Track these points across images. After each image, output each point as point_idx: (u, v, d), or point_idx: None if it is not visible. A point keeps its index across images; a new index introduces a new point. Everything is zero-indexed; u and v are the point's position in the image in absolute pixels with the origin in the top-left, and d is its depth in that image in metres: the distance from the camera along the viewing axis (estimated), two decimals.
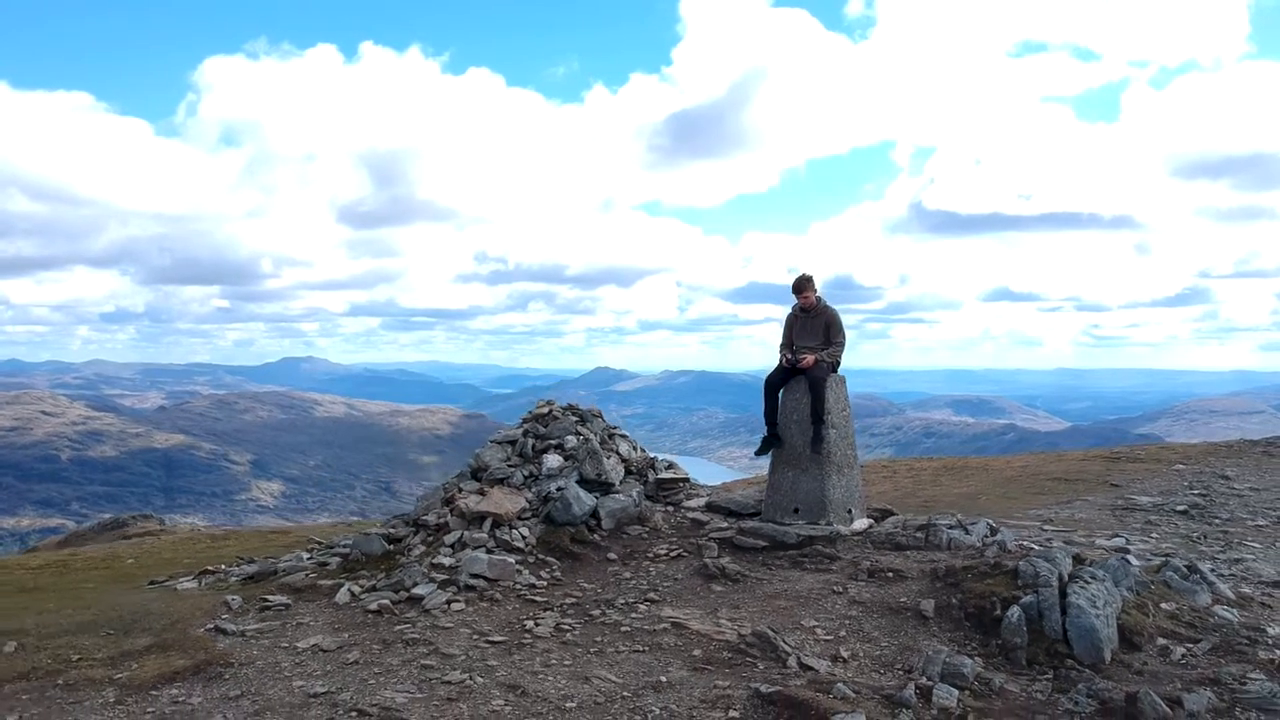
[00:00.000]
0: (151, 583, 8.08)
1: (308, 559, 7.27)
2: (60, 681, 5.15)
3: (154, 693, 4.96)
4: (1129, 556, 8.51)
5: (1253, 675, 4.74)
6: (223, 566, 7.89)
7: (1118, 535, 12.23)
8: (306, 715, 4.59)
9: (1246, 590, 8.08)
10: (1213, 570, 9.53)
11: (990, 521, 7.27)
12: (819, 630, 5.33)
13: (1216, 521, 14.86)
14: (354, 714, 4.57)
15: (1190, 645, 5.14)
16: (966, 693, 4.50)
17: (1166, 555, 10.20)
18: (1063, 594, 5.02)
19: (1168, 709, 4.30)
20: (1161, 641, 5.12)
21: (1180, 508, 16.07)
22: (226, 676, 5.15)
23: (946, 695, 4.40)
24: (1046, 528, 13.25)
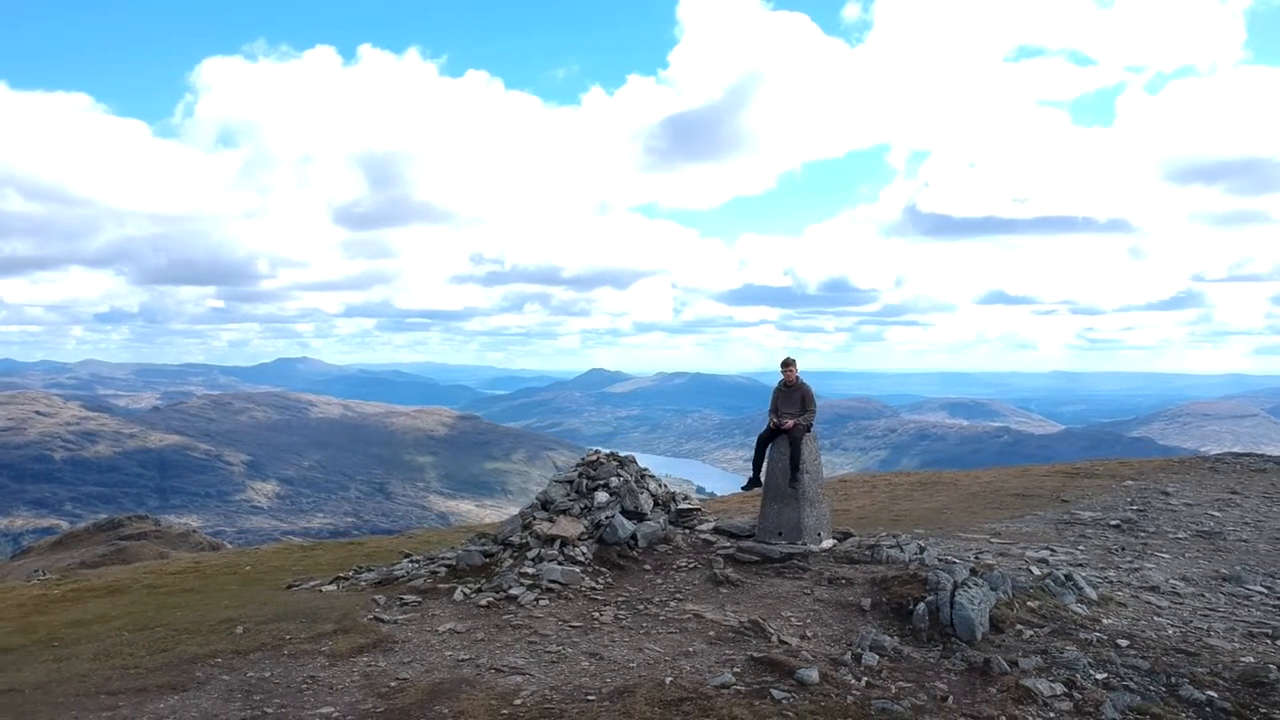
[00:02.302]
0: (289, 585, 10.58)
1: (416, 568, 9.79)
2: (285, 652, 7.66)
3: (352, 659, 7.48)
4: (1032, 567, 11.09)
5: (1069, 648, 7.31)
6: (351, 572, 10.39)
7: (1047, 547, 14.86)
8: (461, 671, 7.11)
9: (1120, 594, 10.64)
10: (1113, 577, 12.16)
11: (920, 542, 9.81)
12: (793, 619, 7.90)
13: (1141, 534, 17.52)
14: (492, 670, 7.10)
15: (1038, 629, 7.72)
16: (884, 658, 7.07)
17: (1077, 564, 12.81)
18: (953, 595, 7.59)
19: (1008, 667, 6.88)
20: (1019, 627, 7.70)
21: (1114, 522, 18.73)
22: (396, 650, 7.67)
23: (871, 659, 6.96)
24: (993, 540, 15.89)
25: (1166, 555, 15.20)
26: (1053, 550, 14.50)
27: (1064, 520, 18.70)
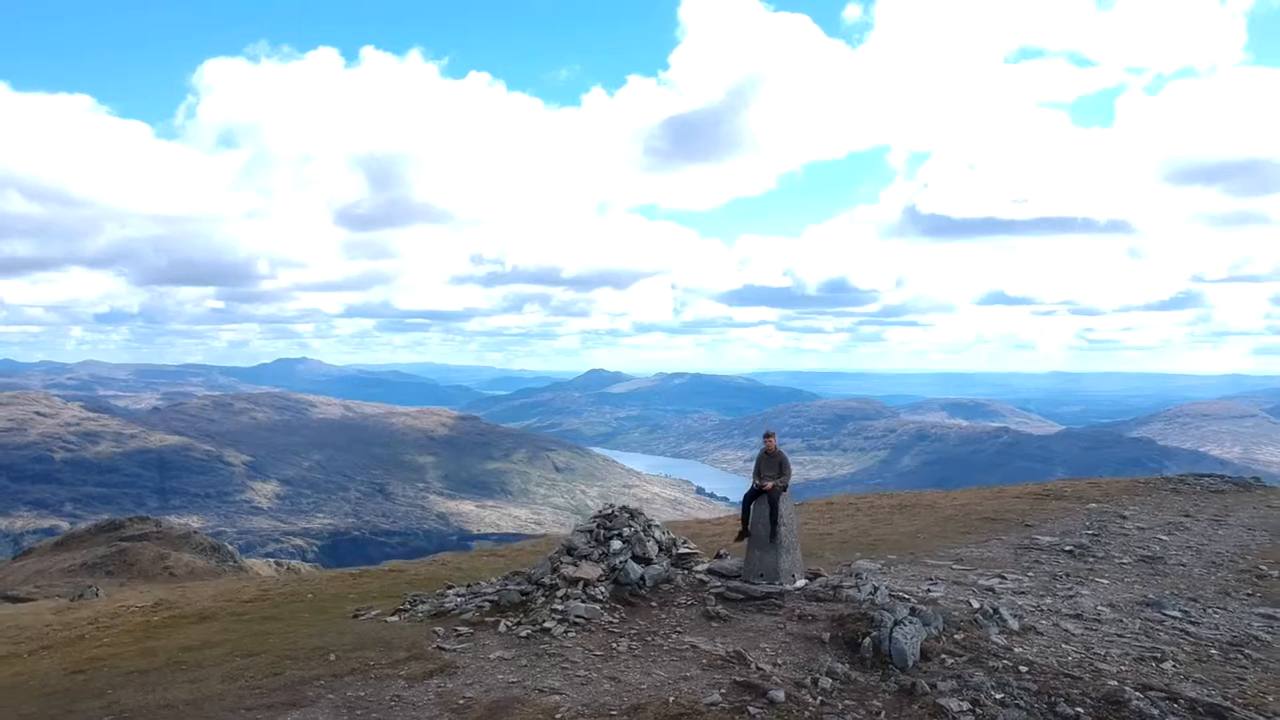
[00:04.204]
0: (355, 614, 12.70)
1: (464, 602, 11.93)
2: (372, 675, 9.80)
3: (426, 681, 9.61)
4: (971, 599, 13.18)
5: (978, 673, 9.47)
6: (407, 604, 12.53)
7: (999, 575, 16.90)
8: (512, 691, 9.25)
9: (1042, 623, 12.68)
10: (1047, 604, 14.17)
11: (875, 582, 11.95)
12: (768, 649, 10.07)
13: (1090, 559, 19.60)
14: (537, 691, 9.24)
15: (957, 658, 9.88)
16: (837, 681, 9.23)
17: (1021, 592, 14.82)
18: (892, 631, 9.76)
19: (929, 688, 9.04)
20: (943, 656, 9.86)
21: (1068, 547, 20.81)
22: (459, 673, 9.80)
23: (826, 682, 9.13)
24: (954, 567, 17.97)
25: (1105, 581, 17.26)
26: (1003, 578, 16.56)
27: (1023, 545, 20.82)
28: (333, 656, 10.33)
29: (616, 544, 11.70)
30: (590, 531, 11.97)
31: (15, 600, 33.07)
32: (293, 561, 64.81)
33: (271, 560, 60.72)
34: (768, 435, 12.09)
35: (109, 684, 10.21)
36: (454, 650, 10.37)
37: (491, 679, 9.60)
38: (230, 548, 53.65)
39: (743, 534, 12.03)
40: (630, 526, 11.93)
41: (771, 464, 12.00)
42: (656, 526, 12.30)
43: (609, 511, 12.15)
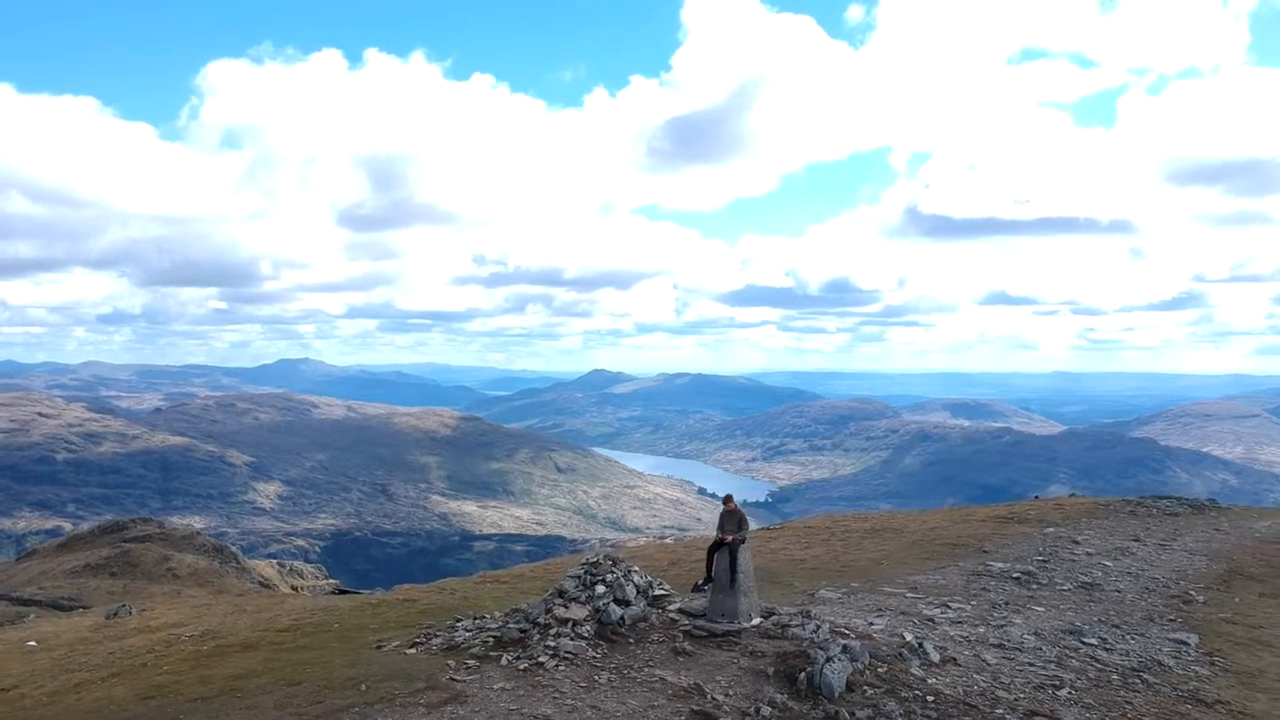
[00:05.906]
0: (378, 645, 14.82)
1: (471, 636, 14.07)
2: (397, 703, 11.91)
3: (442, 709, 11.73)
4: (905, 632, 15.19)
5: (891, 703, 11.57)
6: (422, 637, 14.66)
7: (944, 603, 18.91)
8: (511, 718, 11.37)
9: (965, 653, 14.68)
10: (979, 634, 16.16)
11: (819, 620, 14.06)
12: (722, 681, 12.20)
13: (1034, 586, 21.65)
14: (532, 718, 11.36)
15: (877, 689, 12.00)
16: (775, 710, 11.35)
17: (958, 622, 16.81)
18: (823, 667, 11.88)
19: (849, 716, 11.15)
20: (865, 688, 11.97)
21: (1016, 574, 22.87)
22: (469, 702, 11.92)
23: (766, 710, 11.26)
24: (908, 595, 20.03)
25: (1041, 608, 19.30)
26: (947, 607, 18.60)
27: (977, 572, 22.88)
28: (364, 687, 12.46)
29: (600, 588, 13.84)
30: (579, 577, 14.11)
31: (23, 603, 34.70)
32: (295, 562, 66.26)
33: (274, 561, 61.98)
34: (727, 498, 14.28)
35: (178, 710, 12.34)
36: (464, 681, 12.51)
37: (495, 706, 11.73)
38: (233, 549, 54.19)
39: (707, 579, 14.17)
40: (613, 573, 14.07)
41: (732, 520, 14.15)
42: (635, 572, 14.43)
43: (595, 560, 14.29)
